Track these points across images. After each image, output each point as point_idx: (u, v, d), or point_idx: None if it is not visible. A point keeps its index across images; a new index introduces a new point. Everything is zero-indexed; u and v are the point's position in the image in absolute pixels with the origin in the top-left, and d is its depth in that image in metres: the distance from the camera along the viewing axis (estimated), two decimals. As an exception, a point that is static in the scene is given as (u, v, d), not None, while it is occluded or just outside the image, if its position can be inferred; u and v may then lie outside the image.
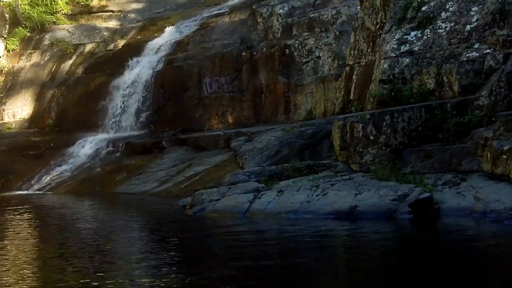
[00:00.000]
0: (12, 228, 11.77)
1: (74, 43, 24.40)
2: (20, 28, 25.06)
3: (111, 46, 23.65)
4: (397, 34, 13.37)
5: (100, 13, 26.22)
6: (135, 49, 22.39)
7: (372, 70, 13.82)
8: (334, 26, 19.03)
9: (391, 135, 12.12)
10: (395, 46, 13.25)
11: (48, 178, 19.15)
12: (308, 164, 13.06)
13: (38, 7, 25.46)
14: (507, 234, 9.29)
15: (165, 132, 19.67)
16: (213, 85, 19.93)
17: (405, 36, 13.27)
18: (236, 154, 15.83)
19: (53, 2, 25.64)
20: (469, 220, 10.04)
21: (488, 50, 12.32)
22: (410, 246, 9.01)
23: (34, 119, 22.73)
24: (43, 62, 24.04)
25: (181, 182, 16.24)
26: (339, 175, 12.21)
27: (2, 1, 24.87)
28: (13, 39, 24.77)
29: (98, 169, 18.78)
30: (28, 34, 25.05)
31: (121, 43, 23.65)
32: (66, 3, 26.10)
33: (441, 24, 13.06)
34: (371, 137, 12.27)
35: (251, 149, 15.37)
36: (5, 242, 9.96)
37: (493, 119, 11.28)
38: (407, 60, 12.99)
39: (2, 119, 23.14)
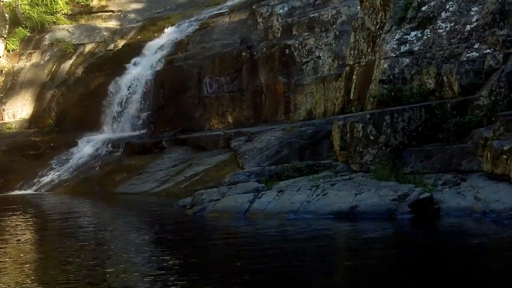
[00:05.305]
0: (12, 228, 11.77)
1: (74, 43, 24.42)
2: (20, 28, 25.08)
3: (111, 46, 23.66)
4: (397, 34, 13.37)
5: (100, 13, 26.23)
6: (135, 49, 22.39)
7: (372, 70, 13.82)
8: (334, 26, 19.03)
9: (391, 135, 12.12)
10: (395, 46, 13.25)
11: (48, 178, 19.15)
12: (308, 164, 13.06)
13: (38, 7, 25.47)
14: (507, 234, 9.28)
15: (165, 132, 19.68)
16: (213, 85, 19.93)
17: (405, 36, 13.27)
18: (236, 154, 15.83)
19: (53, 2, 25.65)
20: (469, 220, 10.03)
21: (488, 50, 12.31)
22: (410, 246, 9.00)
23: (34, 119, 22.74)
24: (43, 62, 24.05)
25: (181, 182, 16.24)
26: (339, 175, 12.20)
27: (2, 1, 24.87)
28: (13, 39, 24.79)
29: (98, 169, 18.78)
30: (28, 34, 25.06)
31: (121, 43, 23.65)
32: (66, 3, 26.11)
33: (441, 24, 13.06)
34: (371, 137, 12.27)
35: (251, 149, 15.37)
36: (5, 242, 9.95)
37: (493, 119, 11.27)
38: (407, 60, 12.99)
39: (2, 119, 23.15)
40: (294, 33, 19.70)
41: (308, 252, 8.56)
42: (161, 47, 21.90)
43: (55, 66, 23.78)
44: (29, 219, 13.23)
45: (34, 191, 18.66)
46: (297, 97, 18.67)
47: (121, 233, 10.94)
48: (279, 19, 20.28)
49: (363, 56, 14.88)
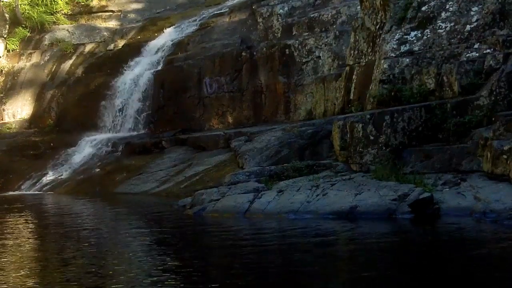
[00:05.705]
0: (11, 228, 11.76)
1: (74, 43, 24.43)
2: (20, 28, 25.09)
3: (111, 46, 23.67)
4: (397, 34, 13.37)
5: (100, 13, 26.24)
6: (135, 49, 22.41)
7: (372, 70, 13.82)
8: (334, 26, 19.03)
9: (391, 135, 12.12)
10: (395, 46, 13.25)
11: (48, 178, 19.16)
12: (308, 164, 13.06)
13: (38, 7, 25.49)
14: (507, 234, 9.28)
15: (165, 132, 19.68)
16: (213, 85, 19.94)
17: (405, 36, 13.27)
18: (236, 154, 15.83)
19: (53, 2, 25.66)
20: (469, 220, 10.03)
21: (488, 50, 12.31)
22: (410, 246, 9.00)
23: (34, 119, 22.75)
24: (43, 62, 24.06)
25: (181, 182, 16.25)
26: (339, 175, 12.20)
27: (2, 1, 24.87)
28: (13, 39, 24.80)
29: (98, 169, 18.79)
30: (28, 34, 25.08)
31: (121, 43, 23.66)
32: (66, 3, 26.13)
33: (441, 24, 13.06)
34: (371, 137, 12.27)
35: (251, 149, 15.37)
36: (5, 242, 9.95)
37: (493, 119, 11.27)
38: (407, 60, 12.99)
39: (2, 119, 23.16)
40: (294, 33, 19.71)
41: (308, 253, 8.56)
42: (161, 47, 21.90)
43: (55, 66, 23.79)
44: (29, 219, 13.23)
45: (34, 191, 18.66)
46: (297, 97, 18.67)
47: (121, 234, 10.94)
48: (279, 19, 20.29)
49: (363, 56, 14.88)
